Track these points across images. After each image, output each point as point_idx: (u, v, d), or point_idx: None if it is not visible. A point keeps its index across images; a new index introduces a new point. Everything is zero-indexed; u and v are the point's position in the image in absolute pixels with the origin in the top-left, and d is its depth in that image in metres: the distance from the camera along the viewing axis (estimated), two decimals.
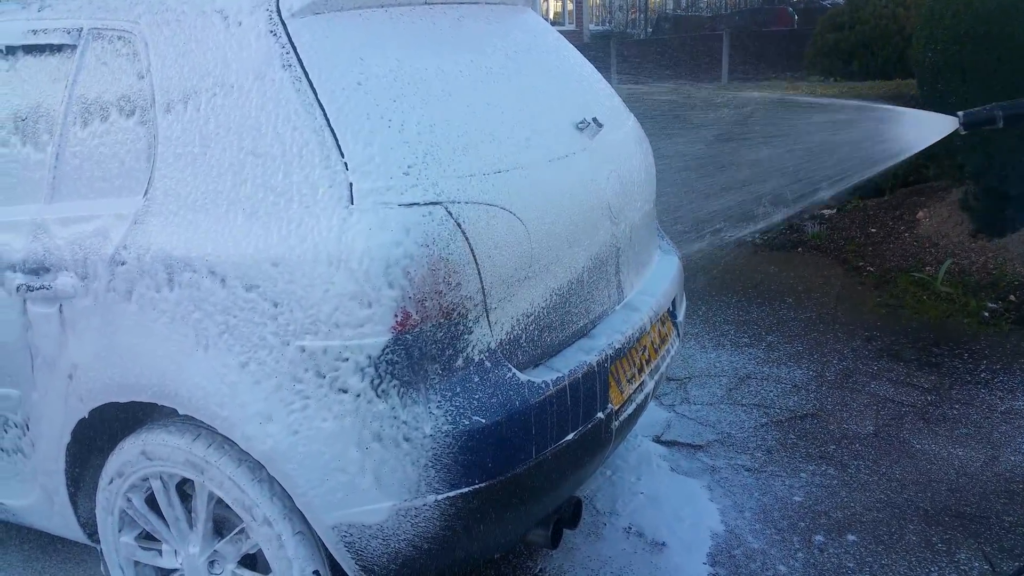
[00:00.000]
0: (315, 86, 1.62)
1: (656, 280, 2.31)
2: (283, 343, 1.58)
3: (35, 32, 1.94)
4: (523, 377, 1.69)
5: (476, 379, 1.62)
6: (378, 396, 1.56)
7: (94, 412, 1.84)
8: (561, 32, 2.53)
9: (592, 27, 23.83)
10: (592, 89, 2.32)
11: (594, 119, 2.08)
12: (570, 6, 24.07)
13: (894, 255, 5.01)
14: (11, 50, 1.99)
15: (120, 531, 1.97)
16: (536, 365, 1.76)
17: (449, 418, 1.58)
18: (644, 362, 2.12)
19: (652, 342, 2.18)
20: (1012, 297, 4.27)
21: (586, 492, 2.65)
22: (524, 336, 1.74)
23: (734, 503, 2.59)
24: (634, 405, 2.02)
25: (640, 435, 3.02)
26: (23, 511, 2.13)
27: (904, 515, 2.49)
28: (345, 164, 1.57)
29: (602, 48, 13.26)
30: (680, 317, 2.49)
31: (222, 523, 1.85)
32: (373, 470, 1.57)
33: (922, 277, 4.42)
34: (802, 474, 2.74)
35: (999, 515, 2.45)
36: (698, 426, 3.09)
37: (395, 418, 1.56)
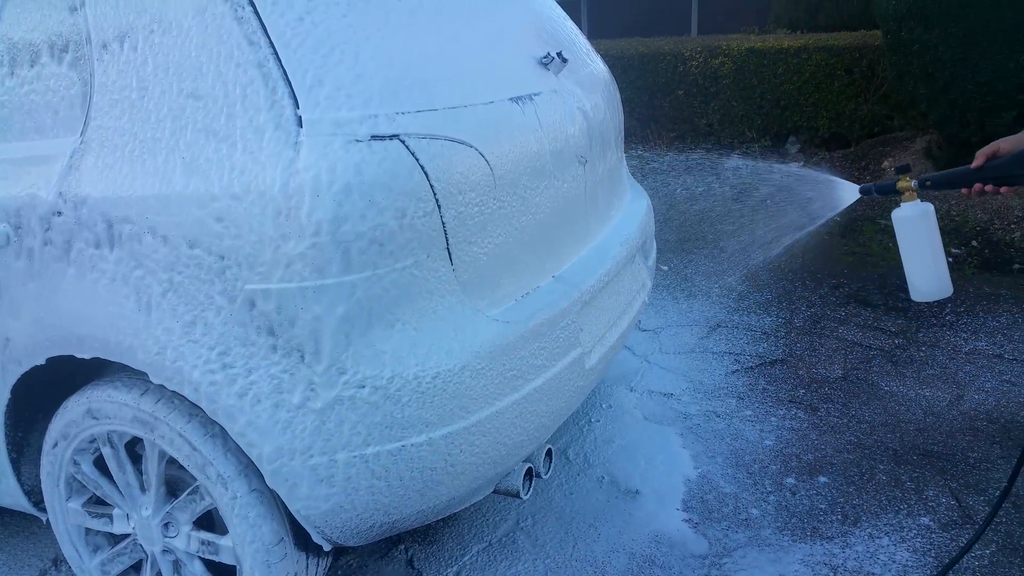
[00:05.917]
0: (261, 14, 1.50)
1: (626, 223, 2.24)
2: (231, 301, 1.48)
3: None
4: (489, 318, 1.62)
5: (439, 322, 1.55)
6: (332, 348, 1.47)
7: (33, 371, 1.73)
8: None
9: None
10: (557, 27, 2.22)
11: (558, 53, 1.99)
12: None
13: (860, 204, 5.02)
14: None
15: (68, 498, 1.87)
16: (503, 306, 1.68)
17: (409, 364, 1.50)
18: (614, 305, 2.06)
19: (622, 284, 2.12)
20: (974, 242, 4.32)
21: (559, 443, 2.62)
22: (490, 276, 1.66)
23: (706, 449, 2.57)
24: (605, 348, 1.97)
25: (613, 384, 2.99)
26: None
27: (874, 455, 2.49)
28: (295, 101, 1.45)
29: (573, 5, 13.00)
30: (651, 261, 2.43)
31: (176, 484, 1.76)
32: (333, 422, 1.49)
33: (887, 224, 4.44)
34: (772, 419, 2.73)
35: (964, 452, 2.47)
36: (670, 374, 3.07)
37: (351, 370, 1.48)
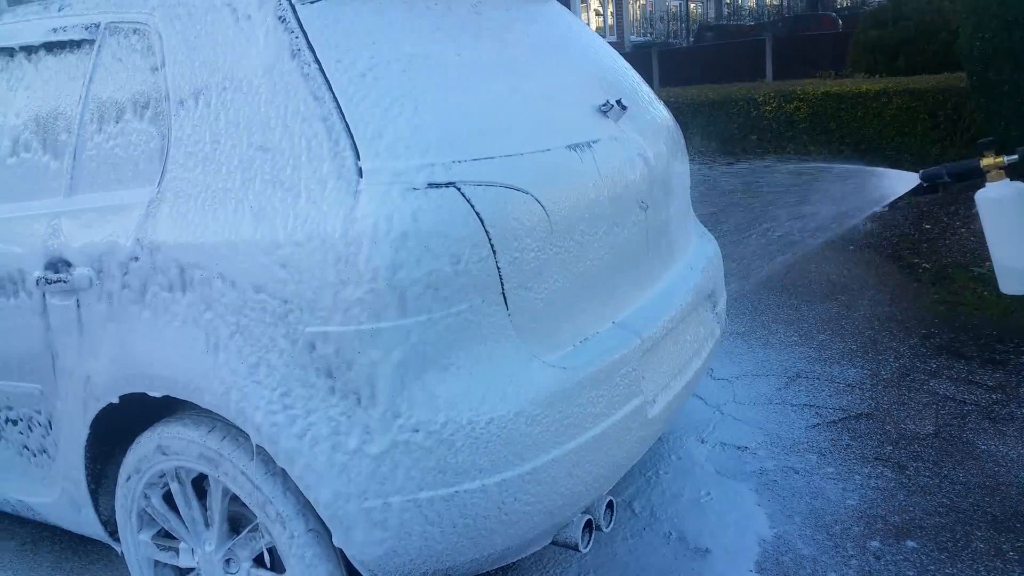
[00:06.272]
0: (326, 71, 1.57)
1: (691, 269, 2.19)
2: (293, 343, 1.52)
3: (55, 31, 1.95)
4: (546, 364, 1.60)
5: (494, 367, 1.54)
6: (389, 393, 1.48)
7: (110, 407, 1.82)
8: None
9: (633, 38, 23.69)
10: (618, 76, 2.23)
11: (618, 101, 1.99)
12: (611, 20, 24.07)
13: (950, 251, 4.76)
14: (34, 49, 2.01)
15: (139, 530, 1.94)
16: (560, 352, 1.66)
17: (464, 409, 1.49)
18: (680, 353, 2.00)
19: (688, 332, 2.07)
20: None
21: (624, 494, 2.53)
22: (546, 322, 1.65)
23: (783, 507, 2.43)
24: (669, 397, 1.90)
25: (683, 434, 2.89)
26: (46, 509, 2.12)
27: (970, 520, 2.30)
28: (356, 152, 1.51)
29: (644, 57, 13.17)
30: (720, 307, 2.36)
31: (239, 520, 1.80)
32: (387, 466, 1.50)
33: (981, 272, 4.18)
34: (856, 476, 2.56)
35: None
36: (745, 426, 2.94)
37: (406, 414, 1.48)
